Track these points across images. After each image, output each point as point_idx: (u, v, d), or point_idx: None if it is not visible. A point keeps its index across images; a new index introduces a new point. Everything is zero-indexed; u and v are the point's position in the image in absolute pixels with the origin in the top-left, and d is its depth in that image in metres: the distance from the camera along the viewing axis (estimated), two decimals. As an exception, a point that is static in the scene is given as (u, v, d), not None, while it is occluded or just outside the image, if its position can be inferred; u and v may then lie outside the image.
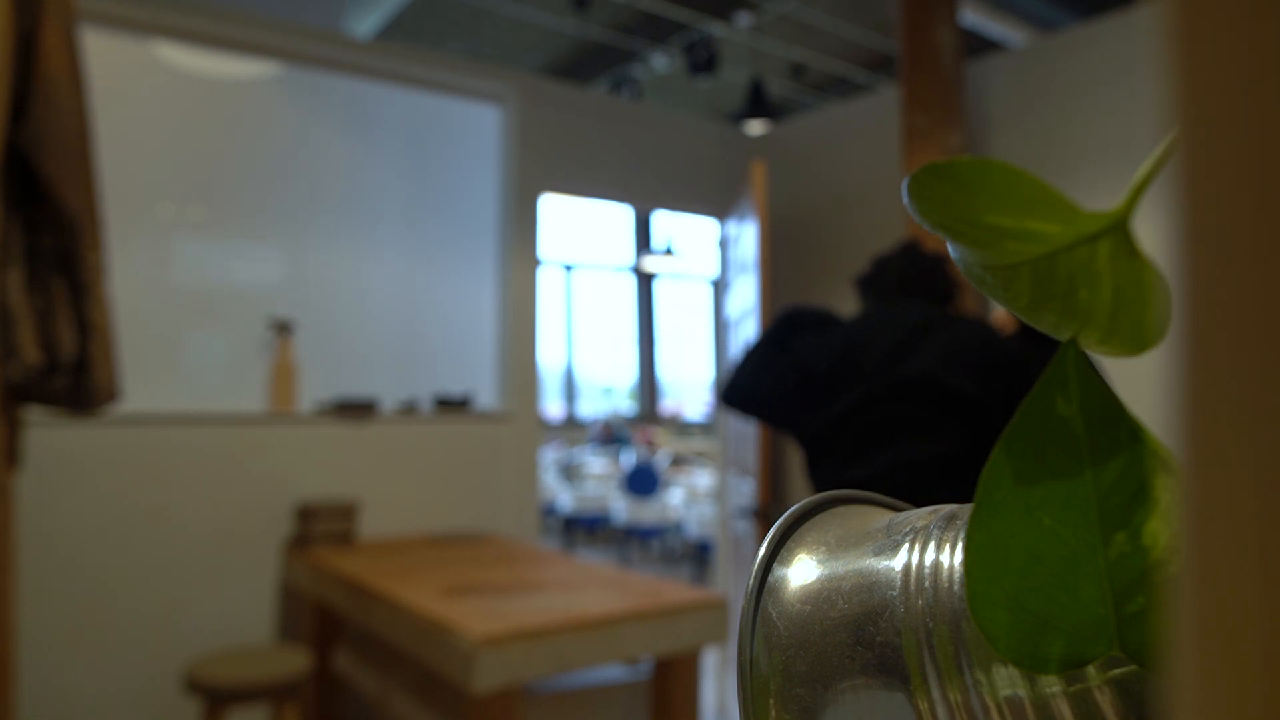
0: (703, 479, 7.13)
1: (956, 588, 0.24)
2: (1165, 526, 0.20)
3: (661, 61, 6.19)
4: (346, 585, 2.31)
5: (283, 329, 2.90)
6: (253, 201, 3.00)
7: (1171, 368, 0.12)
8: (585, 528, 7.41)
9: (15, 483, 1.65)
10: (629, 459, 7.56)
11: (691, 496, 6.63)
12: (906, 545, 0.26)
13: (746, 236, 3.33)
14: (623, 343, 10.69)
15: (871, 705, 0.24)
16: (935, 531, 0.26)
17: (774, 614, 0.27)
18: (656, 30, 5.67)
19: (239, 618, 2.73)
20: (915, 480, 1.59)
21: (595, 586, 2.17)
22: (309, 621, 2.67)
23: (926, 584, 0.24)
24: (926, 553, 0.25)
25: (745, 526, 3.25)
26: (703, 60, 5.53)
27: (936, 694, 0.23)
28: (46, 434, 2.38)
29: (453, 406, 3.15)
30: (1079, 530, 0.21)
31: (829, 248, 3.64)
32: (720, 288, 4.12)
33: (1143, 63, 2.70)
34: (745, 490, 3.31)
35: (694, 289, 10.78)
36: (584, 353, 10.41)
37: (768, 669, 0.26)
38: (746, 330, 3.26)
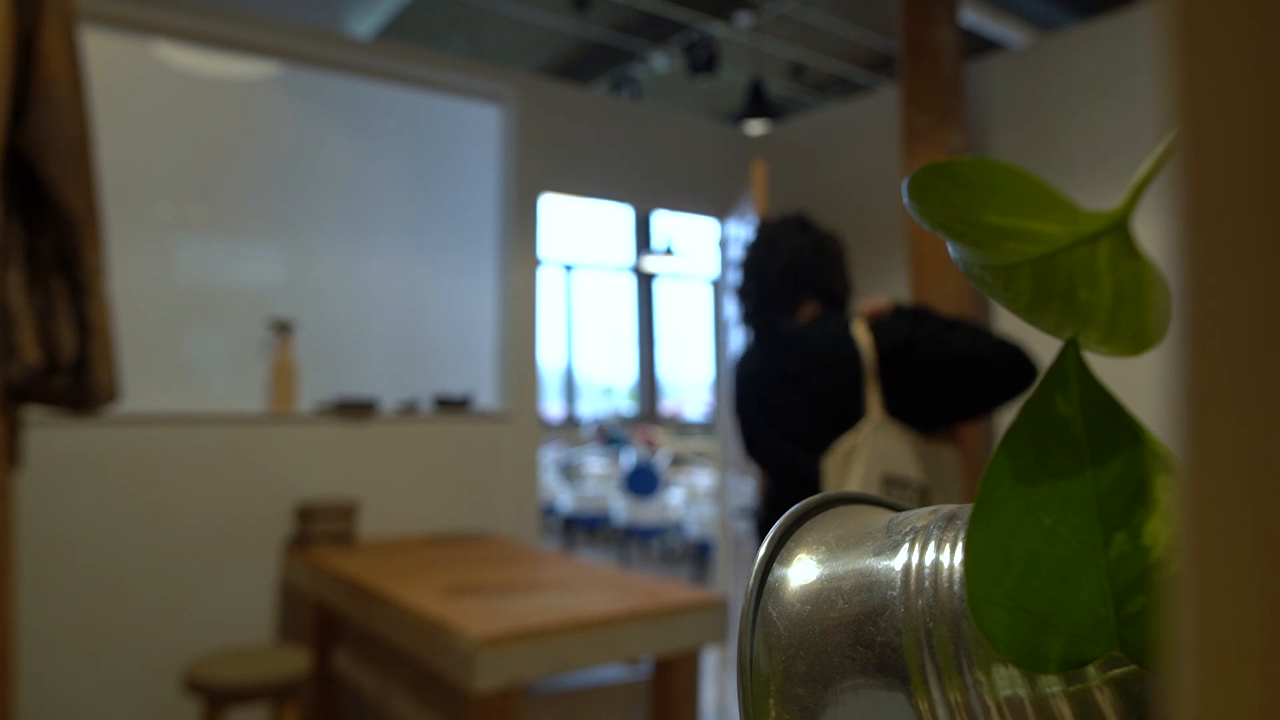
0: (703, 479, 7.13)
1: (956, 588, 0.24)
2: (1165, 526, 0.20)
3: (661, 61, 6.18)
4: (346, 585, 2.31)
5: (283, 329, 2.90)
6: (253, 201, 3.00)
7: (1171, 368, 0.12)
8: (585, 528, 7.41)
9: (15, 483, 1.65)
10: (629, 459, 7.56)
11: (691, 496, 6.63)
12: (906, 545, 0.26)
13: (746, 237, 3.33)
14: (623, 343, 10.69)
15: (871, 705, 0.24)
16: (935, 531, 0.26)
17: (774, 614, 0.27)
18: (656, 30, 5.67)
19: (239, 618, 2.73)
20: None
21: (595, 586, 2.17)
22: (309, 621, 2.67)
23: (926, 584, 0.24)
24: (926, 553, 0.25)
25: (745, 526, 3.25)
26: (703, 60, 5.53)
27: (936, 694, 0.23)
28: (46, 434, 2.38)
29: (453, 406, 3.15)
30: (1079, 530, 0.21)
31: (829, 248, 3.64)
32: (720, 288, 4.12)
33: (1143, 63, 2.70)
34: (745, 490, 3.31)
35: (694, 289, 10.78)
36: (584, 353, 10.41)
37: (768, 669, 0.26)
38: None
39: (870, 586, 0.26)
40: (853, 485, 1.48)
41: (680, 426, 10.39)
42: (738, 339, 3.49)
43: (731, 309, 3.68)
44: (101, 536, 2.53)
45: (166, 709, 2.57)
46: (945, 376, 1.52)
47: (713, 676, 3.63)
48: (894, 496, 1.47)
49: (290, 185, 3.06)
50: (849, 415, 1.56)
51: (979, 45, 4.97)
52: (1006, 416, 2.54)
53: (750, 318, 1.79)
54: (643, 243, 10.30)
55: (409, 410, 3.09)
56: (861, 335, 1.58)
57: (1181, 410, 0.12)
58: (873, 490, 1.47)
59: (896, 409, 1.54)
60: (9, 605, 1.52)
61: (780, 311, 1.72)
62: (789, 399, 1.64)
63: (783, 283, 1.71)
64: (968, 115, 3.10)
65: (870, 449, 1.49)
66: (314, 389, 3.01)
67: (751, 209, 3.20)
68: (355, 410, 2.96)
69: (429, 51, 3.49)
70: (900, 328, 1.57)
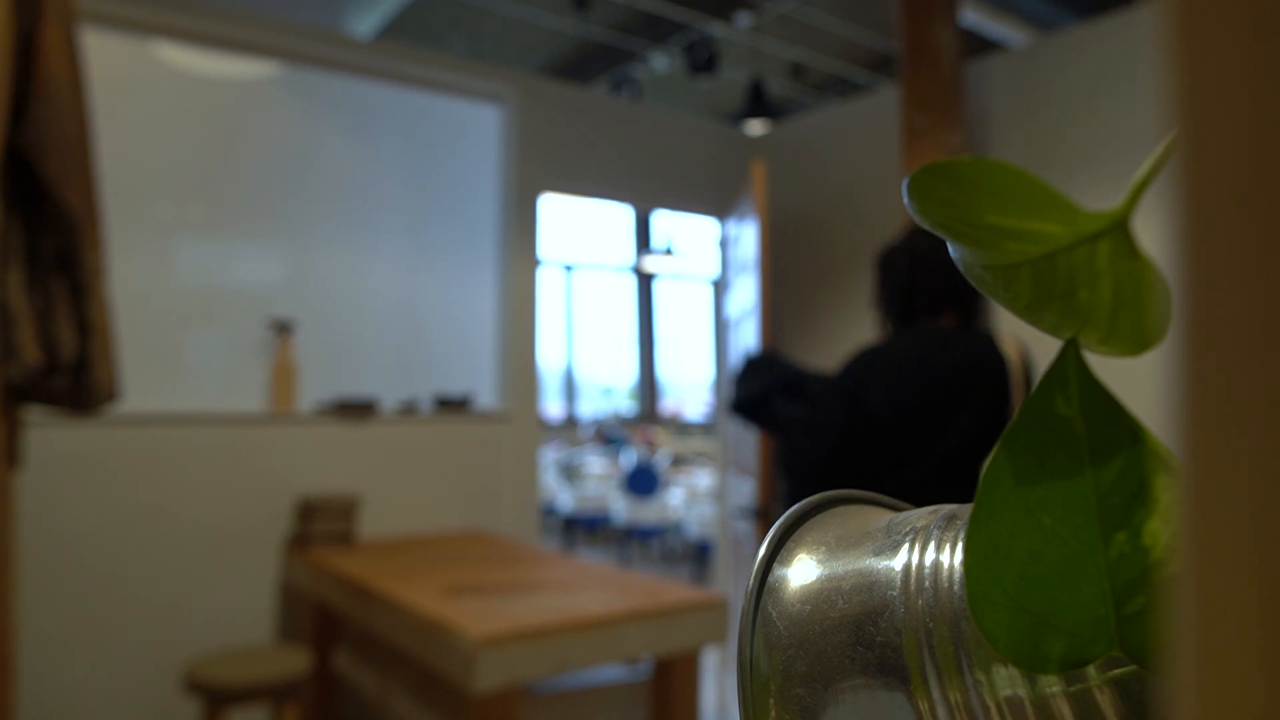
0: (703, 479, 7.13)
1: (956, 588, 0.24)
2: (1165, 526, 0.20)
3: (661, 61, 6.18)
4: (346, 585, 2.31)
5: (283, 329, 2.90)
6: (253, 201, 3.00)
7: (1171, 368, 0.12)
8: (585, 528, 7.41)
9: (15, 483, 1.65)
10: (629, 459, 7.56)
11: (691, 496, 6.63)
12: (906, 545, 0.26)
13: (746, 236, 3.33)
14: (623, 343, 10.69)
15: (871, 705, 0.24)
16: (935, 531, 0.26)
17: (774, 614, 0.27)
18: (656, 30, 5.67)
19: (239, 617, 2.73)
20: None
21: (595, 586, 2.17)
22: (309, 621, 2.67)
23: (926, 584, 0.24)
24: (926, 553, 0.25)
25: (745, 526, 3.25)
26: (703, 60, 5.53)
27: (936, 694, 0.23)
28: (46, 434, 2.38)
29: (453, 406, 3.15)
30: (1079, 530, 0.21)
31: (829, 248, 3.64)
32: (720, 288, 4.12)
33: (1143, 63, 2.70)
34: (745, 490, 3.31)
35: (694, 289, 10.78)
36: (584, 353, 10.41)
37: (768, 669, 0.26)
38: (747, 330, 3.26)
39: (870, 586, 0.26)
40: None
41: (680, 426, 10.39)
42: (739, 339, 3.49)
43: (733, 308, 3.69)
44: (101, 536, 2.53)
45: (166, 709, 2.57)
46: None
47: (713, 676, 3.63)
48: None
49: (290, 185, 3.06)
50: (992, 419, 1.58)
51: (979, 45, 4.97)
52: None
53: (894, 308, 1.71)
54: (643, 243, 10.30)
55: (409, 410, 3.09)
56: (1010, 350, 1.63)
57: (1181, 410, 0.12)
58: None
59: None
60: (9, 605, 1.52)
61: (924, 313, 1.68)
62: (934, 393, 1.60)
63: (946, 281, 1.66)
64: (968, 115, 3.10)
65: None
66: (314, 389, 3.01)
67: (751, 209, 3.20)
68: (355, 410, 2.95)
69: (429, 51, 3.49)
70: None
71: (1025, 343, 1.70)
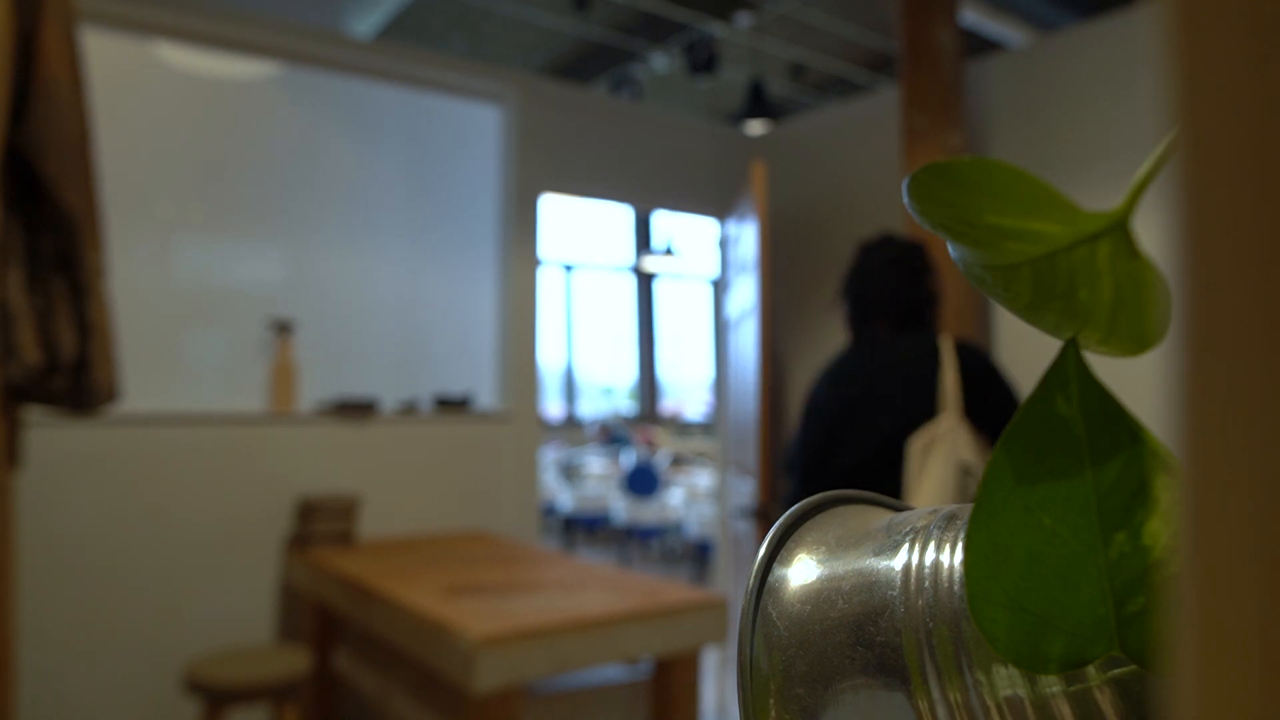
0: (703, 479, 7.12)
1: (956, 588, 0.24)
2: (1165, 526, 0.20)
3: (661, 61, 6.18)
4: (346, 585, 2.31)
5: (283, 329, 2.90)
6: (253, 201, 3.00)
7: (1171, 368, 0.12)
8: (585, 528, 7.41)
9: (15, 483, 1.65)
10: (629, 459, 7.56)
11: (691, 496, 6.62)
12: (906, 545, 0.26)
13: (746, 236, 3.33)
14: (623, 343, 10.69)
15: (871, 705, 0.24)
16: (935, 531, 0.26)
17: (774, 614, 0.27)
18: (656, 30, 5.67)
19: (239, 617, 2.73)
20: None
21: (595, 586, 2.17)
22: (309, 621, 2.67)
23: (926, 584, 0.24)
24: (926, 553, 0.25)
25: (745, 526, 3.25)
26: (703, 60, 5.52)
27: (936, 694, 0.23)
28: (46, 434, 2.38)
29: (453, 406, 3.15)
30: (1079, 530, 0.21)
31: (829, 248, 3.64)
32: (720, 288, 4.12)
33: (1143, 63, 2.70)
34: (745, 490, 3.31)
35: (694, 289, 10.78)
36: (584, 353, 10.41)
37: (768, 669, 0.26)
38: (747, 330, 3.26)
39: (870, 586, 0.26)
40: (935, 469, 1.70)
41: (680, 426, 10.38)
42: (738, 339, 3.49)
43: (733, 308, 3.69)
44: (101, 536, 2.53)
45: (166, 709, 2.57)
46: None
47: (713, 676, 3.63)
48: (970, 484, 1.68)
49: (291, 185, 3.06)
50: (930, 412, 1.76)
51: (979, 45, 4.97)
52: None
53: (847, 321, 1.96)
54: (643, 243, 10.30)
55: (409, 410, 3.09)
56: (946, 348, 1.80)
57: (1181, 410, 0.12)
58: (950, 476, 1.68)
59: (970, 414, 1.78)
60: (9, 605, 1.52)
61: (869, 321, 1.90)
62: (859, 395, 1.81)
63: (881, 293, 1.88)
64: (968, 115, 3.10)
65: (950, 441, 1.73)
66: (314, 389, 3.01)
67: (751, 209, 3.20)
68: (355, 410, 2.95)
69: (429, 51, 3.49)
70: (981, 366, 1.79)
71: (975, 343, 1.85)
